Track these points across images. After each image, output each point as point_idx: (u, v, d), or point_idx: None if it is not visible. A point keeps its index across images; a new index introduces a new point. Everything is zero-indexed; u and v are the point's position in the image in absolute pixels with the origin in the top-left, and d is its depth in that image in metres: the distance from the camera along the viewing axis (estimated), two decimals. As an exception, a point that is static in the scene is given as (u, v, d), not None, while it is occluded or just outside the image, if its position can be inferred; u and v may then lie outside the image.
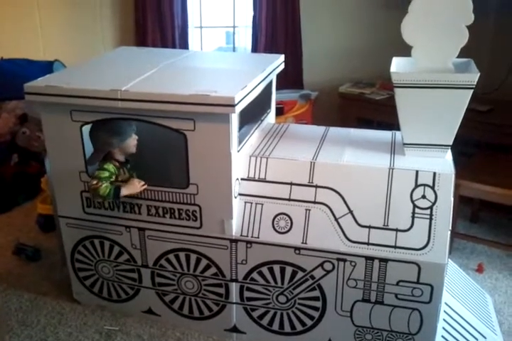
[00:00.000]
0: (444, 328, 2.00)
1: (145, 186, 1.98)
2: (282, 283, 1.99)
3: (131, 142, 2.05)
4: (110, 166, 2.00)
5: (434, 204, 1.83)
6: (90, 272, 2.26)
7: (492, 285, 2.51)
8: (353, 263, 1.88)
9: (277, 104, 2.97)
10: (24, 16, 3.63)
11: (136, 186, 1.97)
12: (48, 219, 2.77)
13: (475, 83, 1.78)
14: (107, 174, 1.96)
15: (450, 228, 1.84)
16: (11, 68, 3.44)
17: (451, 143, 1.93)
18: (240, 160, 1.98)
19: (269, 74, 2.16)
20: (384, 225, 1.86)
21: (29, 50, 3.64)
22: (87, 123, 1.96)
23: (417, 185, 1.85)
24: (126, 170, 2.08)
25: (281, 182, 1.95)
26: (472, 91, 1.80)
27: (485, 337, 2.04)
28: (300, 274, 1.96)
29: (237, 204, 1.96)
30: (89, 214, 2.12)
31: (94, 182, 1.91)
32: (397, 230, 1.85)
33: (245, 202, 1.97)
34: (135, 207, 2.04)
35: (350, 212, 1.88)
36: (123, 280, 2.22)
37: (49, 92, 1.91)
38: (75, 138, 1.98)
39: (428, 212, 1.83)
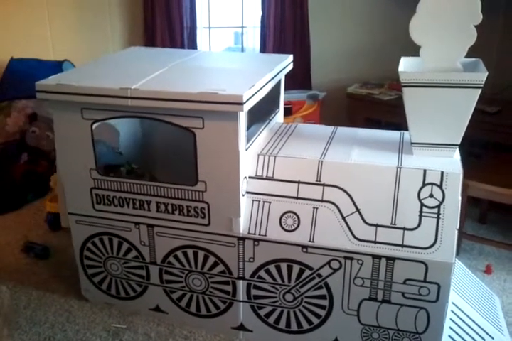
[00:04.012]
0: (451, 328, 2.00)
1: None
2: (289, 281, 2.00)
3: None
4: None
5: (441, 203, 1.83)
6: (99, 269, 2.28)
7: (500, 286, 2.50)
8: (360, 262, 1.89)
9: (285, 104, 2.97)
10: (33, 16, 3.66)
11: None
12: (57, 217, 2.78)
13: (483, 82, 1.78)
14: None
15: (457, 227, 1.84)
16: (21, 68, 3.47)
17: (459, 143, 1.93)
18: (248, 159, 1.99)
19: (277, 74, 2.17)
20: (391, 224, 1.86)
21: (38, 49, 3.67)
22: (97, 121, 1.98)
23: (424, 184, 1.85)
24: None
25: (289, 180, 1.96)
26: (480, 90, 1.80)
27: (492, 338, 2.03)
28: (307, 272, 1.96)
29: (244, 202, 1.97)
30: (99, 211, 2.14)
31: None
32: (404, 229, 1.85)
33: (253, 200, 1.98)
34: (144, 204, 2.06)
35: (358, 210, 1.89)
36: (131, 277, 2.24)
37: (60, 90, 1.93)
38: (85, 136, 2.01)
39: (435, 211, 1.83)
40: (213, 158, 1.90)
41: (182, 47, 3.79)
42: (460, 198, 1.84)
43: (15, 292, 2.44)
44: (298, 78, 3.74)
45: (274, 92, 2.29)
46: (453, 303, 2.04)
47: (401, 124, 2.17)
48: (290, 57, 2.39)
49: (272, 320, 2.10)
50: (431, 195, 1.83)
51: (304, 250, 1.93)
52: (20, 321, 2.26)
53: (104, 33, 3.84)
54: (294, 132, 2.25)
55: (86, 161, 2.05)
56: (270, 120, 2.31)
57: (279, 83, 2.34)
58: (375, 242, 1.86)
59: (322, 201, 1.92)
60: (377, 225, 1.87)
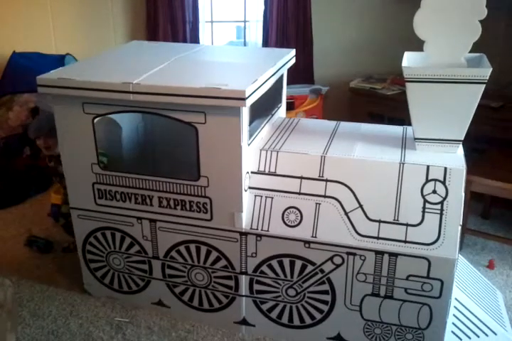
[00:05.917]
0: (453, 323, 2.00)
1: None
2: (292, 277, 2.00)
3: None
4: None
5: (444, 199, 1.83)
6: (101, 263, 2.28)
7: (503, 281, 2.50)
8: (362, 257, 1.89)
9: (288, 98, 2.97)
10: (36, 10, 3.64)
11: None
12: (61, 209, 2.80)
13: (487, 78, 1.77)
14: None
15: (461, 223, 1.83)
16: (23, 62, 3.46)
17: (462, 138, 1.92)
18: (251, 154, 1.98)
19: (280, 69, 2.16)
20: (394, 220, 1.86)
21: (41, 43, 3.66)
22: (98, 115, 1.98)
23: (427, 180, 1.84)
24: None
25: (292, 175, 1.95)
26: (484, 85, 1.79)
27: (495, 333, 2.04)
28: (310, 268, 1.96)
29: (247, 198, 1.97)
30: (101, 205, 2.14)
31: None
32: (407, 225, 1.85)
33: (255, 196, 1.98)
34: (147, 199, 2.05)
35: (360, 206, 1.88)
36: (134, 271, 2.24)
37: (61, 85, 1.93)
38: (87, 131, 2.00)
39: (439, 207, 1.83)
40: (215, 153, 1.89)
41: (184, 41, 3.78)
42: (463, 194, 1.83)
43: (18, 285, 2.45)
44: (300, 72, 3.73)
45: (277, 87, 2.28)
46: (456, 299, 2.04)
47: (404, 119, 2.17)
48: (293, 52, 2.37)
49: (274, 314, 2.10)
50: (434, 191, 1.83)
51: (307, 245, 1.93)
52: (24, 314, 2.27)
53: (106, 27, 3.83)
54: (296, 127, 2.25)
55: (87, 156, 2.05)
56: (272, 115, 2.31)
57: (281, 77, 2.32)
58: (377, 238, 1.86)
59: (325, 196, 1.91)
60: (380, 221, 1.86)
